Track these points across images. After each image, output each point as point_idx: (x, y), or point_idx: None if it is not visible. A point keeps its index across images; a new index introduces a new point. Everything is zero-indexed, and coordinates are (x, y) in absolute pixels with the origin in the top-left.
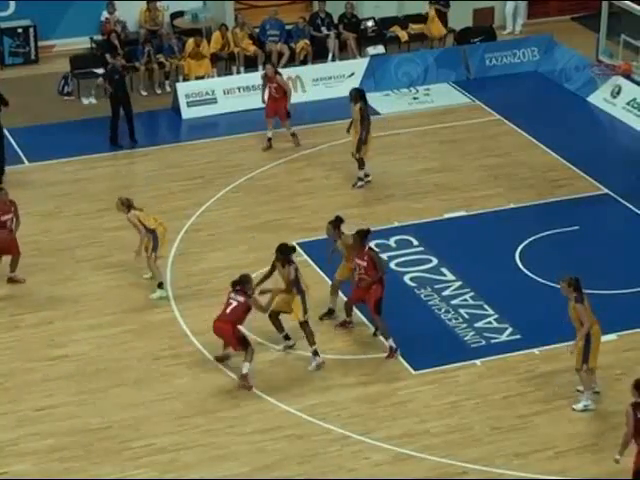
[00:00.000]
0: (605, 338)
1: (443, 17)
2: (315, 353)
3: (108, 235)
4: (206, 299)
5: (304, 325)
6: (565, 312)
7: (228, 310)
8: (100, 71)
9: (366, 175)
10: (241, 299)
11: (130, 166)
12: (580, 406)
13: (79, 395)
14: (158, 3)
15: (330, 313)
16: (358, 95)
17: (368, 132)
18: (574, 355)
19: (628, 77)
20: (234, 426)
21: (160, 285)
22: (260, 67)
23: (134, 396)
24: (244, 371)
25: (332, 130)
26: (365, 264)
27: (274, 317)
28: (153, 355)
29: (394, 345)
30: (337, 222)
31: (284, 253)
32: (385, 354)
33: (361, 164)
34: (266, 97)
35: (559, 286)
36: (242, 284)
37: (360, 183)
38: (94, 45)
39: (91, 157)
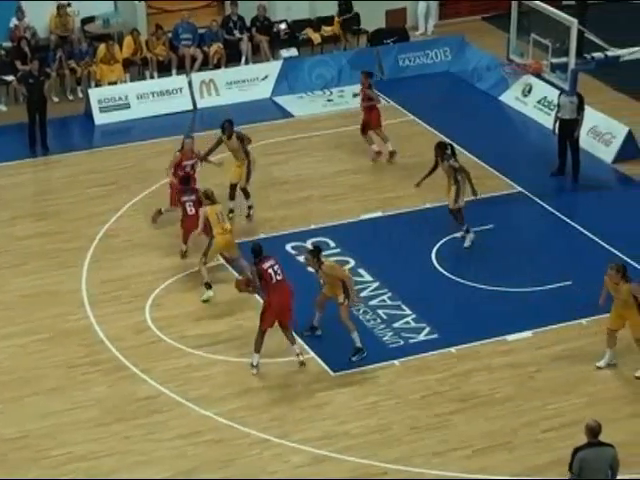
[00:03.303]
0: (520, 335)
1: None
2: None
3: (21, 243)
4: (123, 305)
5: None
6: (480, 311)
7: None
8: (10, 78)
9: (250, 207)
10: None
11: (43, 173)
12: None
13: None
14: (68, 9)
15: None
16: (230, 126)
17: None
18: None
19: (539, 76)
20: (154, 432)
21: (207, 286)
22: (174, 71)
23: (50, 405)
24: None
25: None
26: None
27: None
28: (69, 363)
29: (254, 362)
30: (316, 251)
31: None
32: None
33: (248, 194)
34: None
35: (608, 273)
36: None
37: (251, 211)
38: (3, 52)
39: (3, 165)
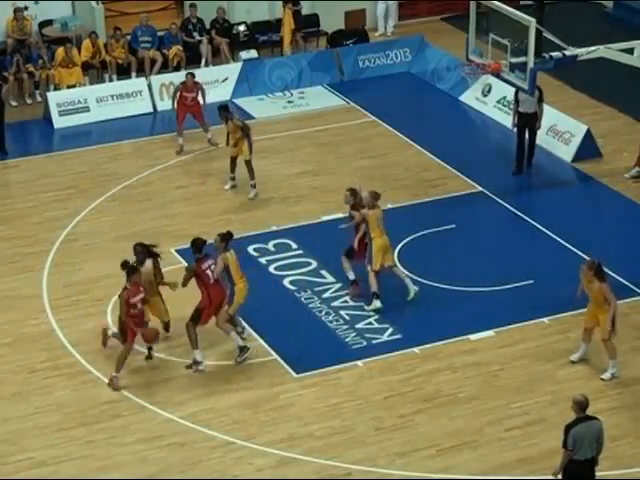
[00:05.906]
0: (482, 335)
1: (296, 17)
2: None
3: None
4: (84, 309)
5: None
6: (443, 310)
7: None
8: None
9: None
10: None
11: (2, 177)
12: (608, 375)
13: None
14: (26, 12)
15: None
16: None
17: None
18: (600, 328)
19: (498, 76)
20: (116, 437)
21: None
22: (133, 74)
23: (10, 410)
24: None
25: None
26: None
27: None
28: (30, 368)
29: (199, 359)
30: (225, 235)
31: None
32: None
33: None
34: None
35: (581, 268)
36: None
37: None
38: None
39: None
